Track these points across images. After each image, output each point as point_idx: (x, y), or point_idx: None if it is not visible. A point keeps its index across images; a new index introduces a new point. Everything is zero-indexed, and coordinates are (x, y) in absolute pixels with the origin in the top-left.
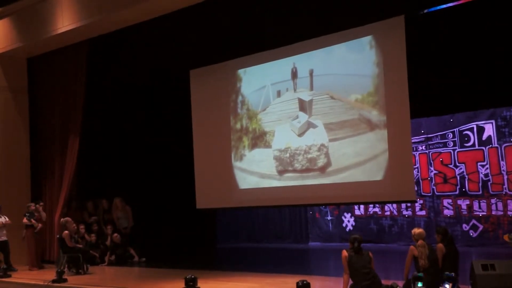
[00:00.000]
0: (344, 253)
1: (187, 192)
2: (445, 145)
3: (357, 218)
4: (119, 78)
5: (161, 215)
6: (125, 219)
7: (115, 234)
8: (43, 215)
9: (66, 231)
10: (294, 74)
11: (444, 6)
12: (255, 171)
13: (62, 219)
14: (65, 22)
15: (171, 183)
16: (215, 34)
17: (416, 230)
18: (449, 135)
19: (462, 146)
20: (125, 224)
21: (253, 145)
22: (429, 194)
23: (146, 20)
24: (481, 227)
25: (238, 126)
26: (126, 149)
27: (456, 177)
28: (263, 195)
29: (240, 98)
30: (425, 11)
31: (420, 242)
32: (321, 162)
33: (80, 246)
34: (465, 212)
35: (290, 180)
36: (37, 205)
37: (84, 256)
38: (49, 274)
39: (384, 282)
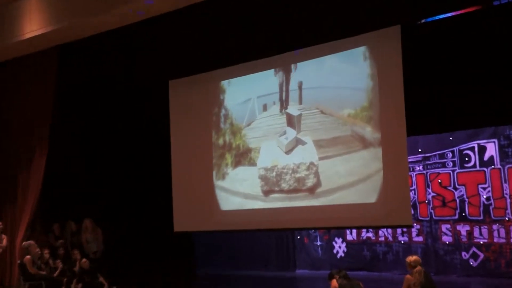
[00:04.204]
0: (334, 283)
1: (164, 213)
2: (444, 165)
3: (349, 244)
4: (91, 89)
5: (134, 239)
6: (95, 243)
7: (84, 260)
8: (4, 240)
9: (28, 256)
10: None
11: (443, 16)
12: (239, 191)
13: (24, 243)
14: (33, 27)
15: (147, 203)
16: (197, 42)
17: (411, 258)
18: (448, 155)
19: (462, 166)
20: (95, 248)
21: (237, 163)
22: (427, 219)
23: (121, 26)
24: (481, 255)
25: (220, 142)
26: (98, 166)
27: (456, 201)
28: (246, 217)
29: (223, 111)
30: (423, 21)
31: (418, 268)
32: (310, 182)
33: (44, 273)
34: (464, 239)
35: (276, 201)
36: None
37: (48, 284)
38: None
39: None
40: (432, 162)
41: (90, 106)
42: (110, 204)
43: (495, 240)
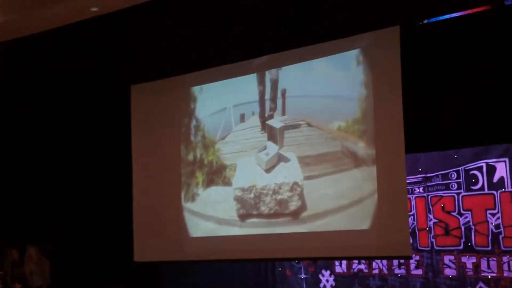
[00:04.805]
0: None
1: (123, 240)
2: (447, 187)
3: (338, 277)
4: (40, 95)
5: (88, 270)
6: (40, 275)
7: None
8: None
9: None
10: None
11: (448, 16)
12: (211, 215)
13: None
14: None
15: (103, 228)
16: (164, 40)
17: None
18: (453, 175)
19: (468, 189)
20: (40, 281)
21: (209, 182)
22: (427, 249)
23: (78, 21)
24: None
25: (190, 157)
26: (45, 183)
27: (461, 228)
28: (220, 246)
29: (194, 122)
30: (425, 21)
31: None
32: (293, 205)
33: None
34: (470, 273)
35: (254, 227)
36: None
37: None
38: None
39: None
40: (434, 183)
41: (38, 113)
42: (59, 229)
43: (505, 274)
